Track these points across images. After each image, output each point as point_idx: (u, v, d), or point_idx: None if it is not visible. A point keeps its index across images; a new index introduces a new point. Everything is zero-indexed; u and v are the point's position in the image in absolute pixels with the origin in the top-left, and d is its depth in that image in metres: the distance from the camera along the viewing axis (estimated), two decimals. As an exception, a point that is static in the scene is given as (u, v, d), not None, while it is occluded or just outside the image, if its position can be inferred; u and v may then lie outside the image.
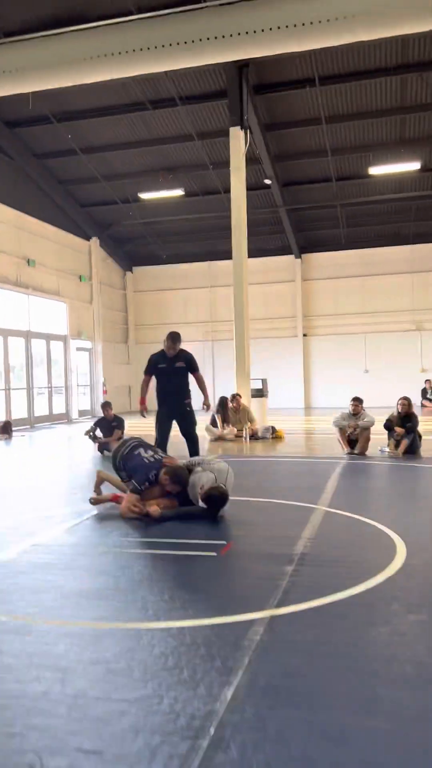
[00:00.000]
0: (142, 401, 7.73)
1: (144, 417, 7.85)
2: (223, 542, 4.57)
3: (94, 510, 5.80)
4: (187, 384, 7.51)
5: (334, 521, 5.17)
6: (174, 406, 7.45)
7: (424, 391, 19.90)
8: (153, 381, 7.55)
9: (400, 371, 20.28)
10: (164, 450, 6.95)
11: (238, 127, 12.51)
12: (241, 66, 12.48)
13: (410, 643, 2.85)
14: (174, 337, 7.40)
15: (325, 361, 21.06)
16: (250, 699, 2.38)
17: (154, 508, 5.25)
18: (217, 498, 5.16)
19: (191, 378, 7.54)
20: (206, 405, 7.78)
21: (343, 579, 3.71)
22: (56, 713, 2.34)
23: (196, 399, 7.55)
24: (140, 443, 5.95)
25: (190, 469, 5.52)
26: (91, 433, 9.97)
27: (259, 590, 3.57)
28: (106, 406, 10.30)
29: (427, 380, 20.07)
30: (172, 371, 7.40)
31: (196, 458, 5.65)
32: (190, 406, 7.54)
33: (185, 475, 5.40)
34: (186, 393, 7.49)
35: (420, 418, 9.52)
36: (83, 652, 2.84)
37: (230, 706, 2.34)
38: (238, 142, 12.54)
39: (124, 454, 5.81)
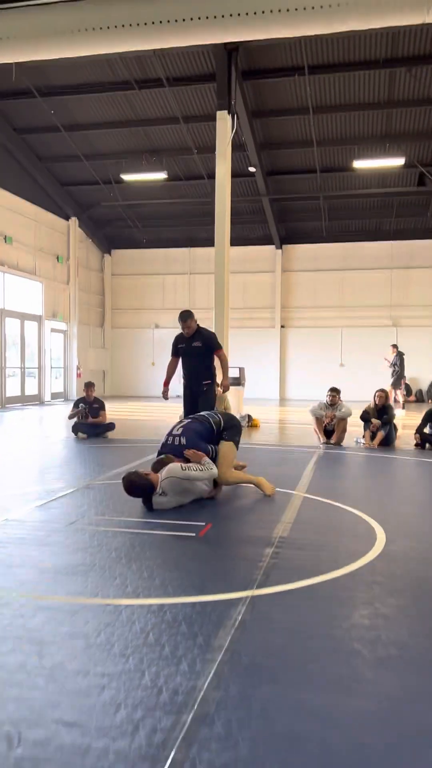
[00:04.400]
0: (165, 383, 7.53)
1: (165, 399, 7.65)
2: (202, 524, 4.52)
3: (68, 489, 5.70)
4: (206, 365, 7.25)
5: (313, 507, 5.15)
6: (193, 387, 7.25)
7: (397, 387, 20.12)
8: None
9: (376, 366, 20.42)
10: None
11: (225, 111, 12.33)
12: (231, 49, 12.32)
13: (393, 626, 2.83)
14: (182, 316, 7.14)
15: (301, 353, 21.10)
16: (233, 677, 2.33)
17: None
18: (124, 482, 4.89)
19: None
20: (223, 386, 7.30)
21: (324, 563, 3.69)
22: (34, 685, 2.26)
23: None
24: (193, 420, 5.63)
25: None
26: (82, 413, 9.74)
27: (240, 571, 3.53)
28: (89, 386, 10.11)
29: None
30: (190, 351, 7.18)
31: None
32: (208, 387, 7.24)
33: (141, 483, 4.88)
34: (204, 374, 7.22)
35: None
36: (60, 626, 2.76)
37: (213, 682, 2.29)
38: (224, 126, 12.36)
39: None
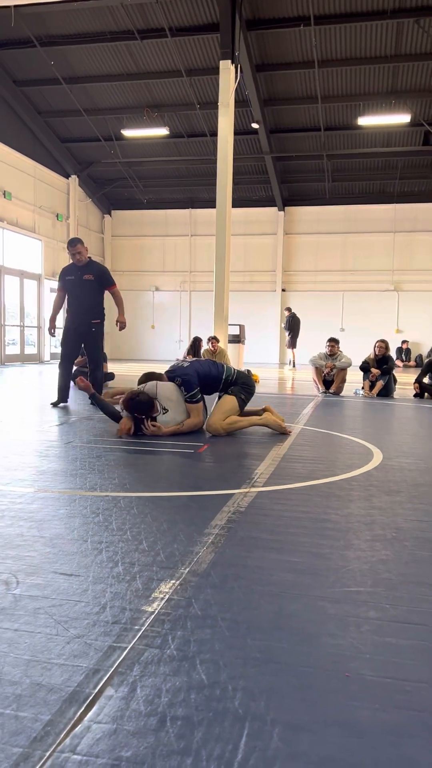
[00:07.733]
0: (52, 320, 6.71)
1: (53, 336, 6.89)
2: (201, 444, 4.54)
3: (66, 419, 5.71)
4: (97, 301, 6.71)
5: (312, 434, 5.17)
6: (80, 326, 6.67)
7: (399, 351, 20.10)
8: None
9: (377, 331, 20.33)
10: (65, 367, 6.72)
11: (229, 61, 12.09)
12: (236, -4, 12.03)
13: (389, 514, 2.85)
14: (72, 242, 6.55)
15: (302, 317, 20.91)
16: (228, 545, 2.36)
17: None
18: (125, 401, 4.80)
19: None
20: (120, 322, 6.74)
21: (321, 471, 3.72)
22: (33, 548, 2.28)
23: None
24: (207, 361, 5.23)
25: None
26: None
27: (238, 475, 3.55)
28: None
29: (404, 341, 20.24)
30: (79, 284, 6.58)
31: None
32: (97, 327, 6.71)
33: (144, 399, 4.76)
34: (95, 312, 6.68)
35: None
36: (58, 510, 2.79)
37: (209, 549, 2.31)
38: (227, 76, 12.13)
39: None
